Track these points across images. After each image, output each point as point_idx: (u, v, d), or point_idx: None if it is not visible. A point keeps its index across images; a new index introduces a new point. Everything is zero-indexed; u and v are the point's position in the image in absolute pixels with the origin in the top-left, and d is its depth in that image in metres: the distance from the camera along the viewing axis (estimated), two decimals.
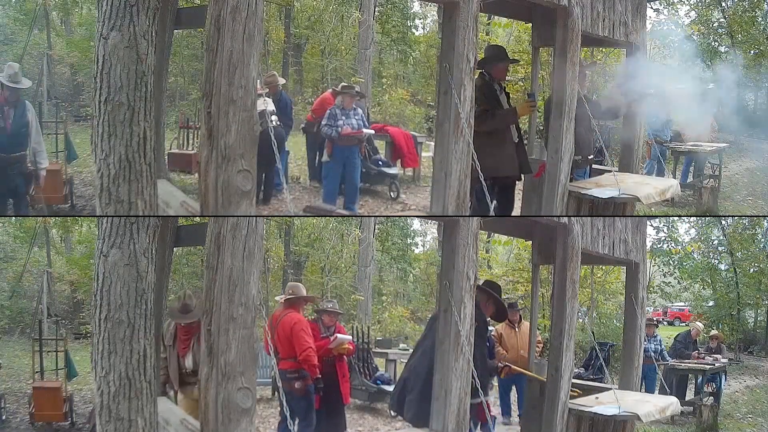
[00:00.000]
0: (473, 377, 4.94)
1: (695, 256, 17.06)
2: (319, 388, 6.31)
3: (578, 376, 8.52)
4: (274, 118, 7.78)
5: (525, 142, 6.45)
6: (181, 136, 9.98)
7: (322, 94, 10.34)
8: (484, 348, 5.29)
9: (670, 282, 17.83)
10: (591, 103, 6.30)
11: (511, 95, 6.32)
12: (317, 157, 9.21)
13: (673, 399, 6.43)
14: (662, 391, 9.12)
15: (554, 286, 5.90)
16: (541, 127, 6.87)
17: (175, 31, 5.76)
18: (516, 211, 6.43)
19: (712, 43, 16.83)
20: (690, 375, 10.80)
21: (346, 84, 9.01)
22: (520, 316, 8.75)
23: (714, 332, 12.07)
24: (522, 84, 14.41)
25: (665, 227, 16.22)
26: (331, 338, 6.67)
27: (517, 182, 6.22)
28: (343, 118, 7.96)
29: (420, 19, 18.60)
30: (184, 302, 5.16)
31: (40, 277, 13.16)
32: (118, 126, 3.71)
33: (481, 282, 5.36)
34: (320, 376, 6.31)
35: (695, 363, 10.61)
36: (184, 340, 5.27)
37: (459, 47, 4.75)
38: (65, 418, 8.19)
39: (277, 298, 7.68)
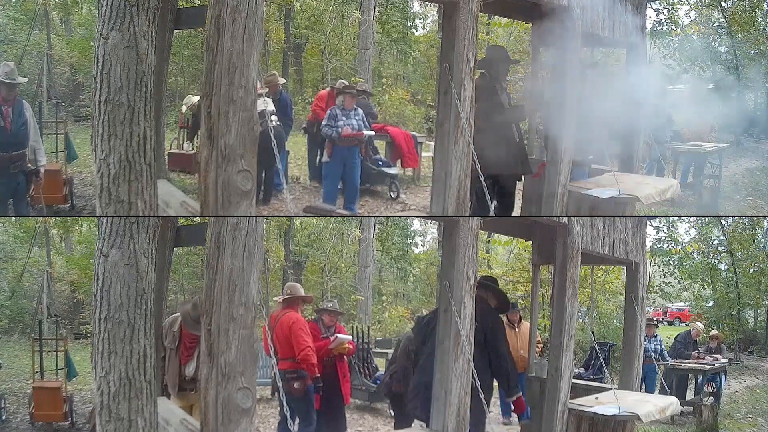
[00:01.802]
0: (508, 374, 5.11)
1: (695, 256, 17.07)
2: (318, 387, 6.31)
3: (578, 376, 8.51)
4: (274, 118, 7.77)
5: (525, 142, 6.44)
6: (181, 136, 9.98)
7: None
8: (506, 340, 5.30)
9: (670, 282, 17.83)
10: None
11: (511, 95, 6.31)
12: (317, 157, 9.21)
13: (673, 399, 6.42)
14: (662, 391, 9.10)
15: (554, 286, 5.90)
16: (541, 127, 6.86)
17: (175, 31, 5.76)
18: (516, 211, 6.43)
19: (712, 43, 16.84)
20: (690, 375, 10.80)
21: (347, 84, 9.00)
22: (520, 316, 8.75)
23: (714, 332, 12.06)
24: (522, 84, 14.41)
25: (665, 227, 16.23)
26: (332, 338, 6.67)
27: (517, 182, 6.22)
28: (344, 118, 7.94)
29: (420, 19, 18.64)
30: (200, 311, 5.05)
31: (40, 277, 13.16)
32: (118, 126, 3.71)
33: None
34: (320, 375, 6.31)
35: (695, 363, 10.60)
36: (189, 347, 5.18)
37: (459, 47, 4.75)
38: (65, 418, 8.20)
39: (275, 298, 7.68)
